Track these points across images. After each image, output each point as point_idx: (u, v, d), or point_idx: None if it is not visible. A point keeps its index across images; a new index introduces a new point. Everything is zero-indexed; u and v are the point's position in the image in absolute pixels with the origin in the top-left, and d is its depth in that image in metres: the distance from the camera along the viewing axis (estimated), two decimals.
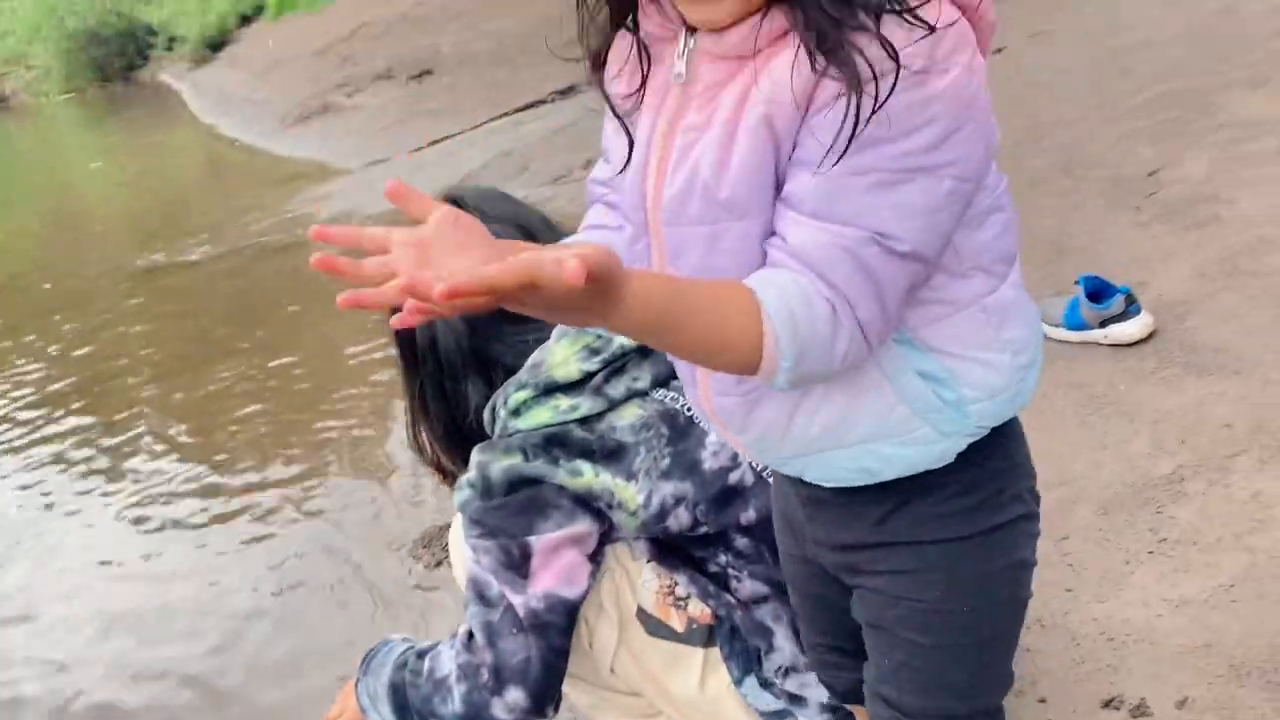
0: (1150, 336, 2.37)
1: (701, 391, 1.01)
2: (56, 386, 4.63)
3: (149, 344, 4.98)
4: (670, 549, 1.31)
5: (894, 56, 0.80)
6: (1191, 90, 3.64)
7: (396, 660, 1.36)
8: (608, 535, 1.27)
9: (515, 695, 1.24)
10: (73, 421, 4.21)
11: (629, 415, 1.28)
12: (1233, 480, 1.90)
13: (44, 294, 6.11)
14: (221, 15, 15.00)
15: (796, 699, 1.32)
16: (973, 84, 0.84)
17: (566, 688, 1.36)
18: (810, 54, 0.82)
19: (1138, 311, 2.37)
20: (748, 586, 1.31)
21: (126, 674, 2.58)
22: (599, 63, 0.98)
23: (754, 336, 0.82)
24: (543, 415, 1.25)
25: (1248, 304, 2.35)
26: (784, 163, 0.86)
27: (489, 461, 1.24)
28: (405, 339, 1.41)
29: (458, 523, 1.29)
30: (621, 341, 1.31)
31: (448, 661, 1.28)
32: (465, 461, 1.30)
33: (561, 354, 1.29)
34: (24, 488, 3.78)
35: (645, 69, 0.94)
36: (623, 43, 0.96)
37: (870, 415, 0.95)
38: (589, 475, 1.23)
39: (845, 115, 0.80)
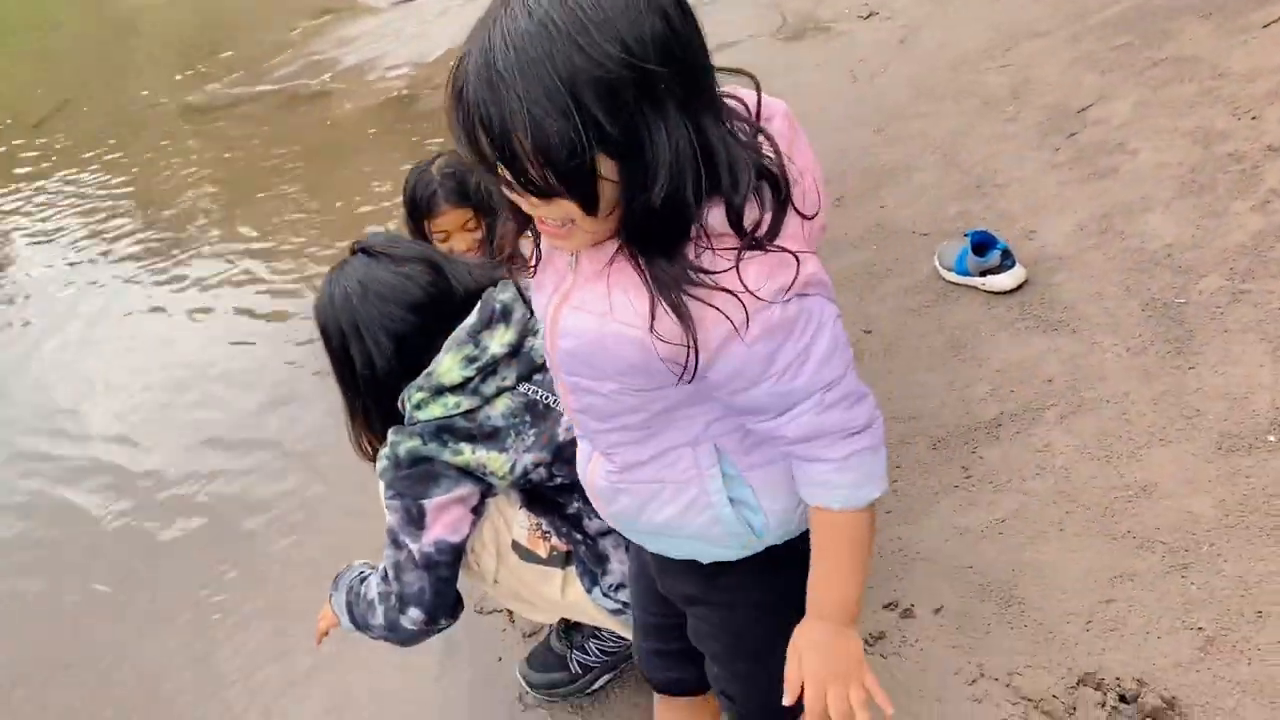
0: (1022, 286, 2.77)
1: (589, 475, 1.37)
2: (122, 204, 5.37)
3: (204, 171, 5.61)
4: (538, 497, 1.81)
5: (743, 304, 1.02)
6: (1150, 13, 3.82)
7: (350, 582, 1.89)
8: (488, 492, 1.77)
9: (415, 614, 1.75)
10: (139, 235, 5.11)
11: (501, 406, 1.73)
12: (1035, 431, 2.37)
13: (97, 123, 6.59)
14: None
15: (628, 604, 1.85)
16: (809, 301, 1.10)
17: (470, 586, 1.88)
18: (651, 308, 1.03)
19: (1012, 266, 2.76)
20: (595, 524, 1.80)
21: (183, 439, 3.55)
22: (511, 259, 1.25)
23: (867, 522, 1.21)
24: (435, 410, 1.70)
25: (1107, 266, 2.73)
26: (653, 350, 1.07)
27: (399, 442, 1.71)
28: (344, 368, 1.76)
29: (381, 485, 1.78)
30: (493, 352, 1.72)
31: (373, 589, 1.81)
32: None
33: (447, 364, 1.70)
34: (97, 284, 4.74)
35: (536, 262, 1.24)
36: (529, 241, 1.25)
37: (694, 524, 1.32)
38: (467, 454, 1.69)
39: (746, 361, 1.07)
